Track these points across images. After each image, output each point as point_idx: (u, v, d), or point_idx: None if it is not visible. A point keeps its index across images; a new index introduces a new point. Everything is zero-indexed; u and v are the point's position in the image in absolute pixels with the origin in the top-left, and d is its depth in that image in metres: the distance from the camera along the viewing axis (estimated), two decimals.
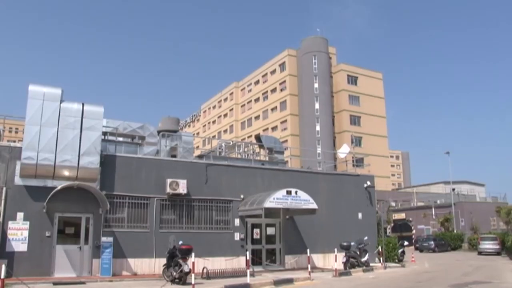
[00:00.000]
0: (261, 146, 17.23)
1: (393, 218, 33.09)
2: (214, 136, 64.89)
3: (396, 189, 57.01)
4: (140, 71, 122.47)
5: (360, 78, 47.87)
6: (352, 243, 14.66)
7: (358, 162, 32.30)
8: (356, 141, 44.11)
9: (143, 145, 13.93)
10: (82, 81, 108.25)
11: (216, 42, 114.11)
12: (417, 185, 48.63)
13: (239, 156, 16.91)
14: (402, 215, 34.76)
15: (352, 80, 47.58)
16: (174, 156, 14.77)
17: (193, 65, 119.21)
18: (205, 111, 71.36)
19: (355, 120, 46.11)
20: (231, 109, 63.41)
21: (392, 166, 75.78)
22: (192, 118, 75.47)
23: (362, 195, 16.52)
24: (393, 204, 35.99)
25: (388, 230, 29.34)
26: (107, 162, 12.21)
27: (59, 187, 11.11)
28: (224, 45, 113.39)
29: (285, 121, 49.77)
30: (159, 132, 15.34)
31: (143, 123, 13.82)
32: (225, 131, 63.99)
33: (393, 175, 70.87)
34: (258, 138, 17.23)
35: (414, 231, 32.66)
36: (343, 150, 18.05)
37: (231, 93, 64.02)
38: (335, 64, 48.76)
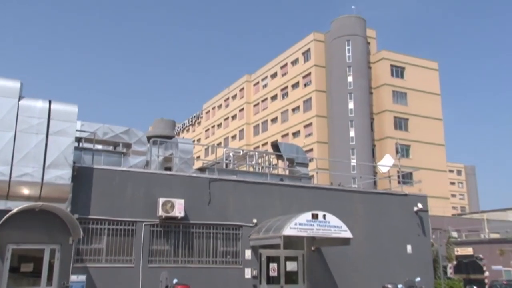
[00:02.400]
0: (279, 157, 17.41)
1: (456, 253, 29.79)
2: (219, 144, 65.51)
3: (458, 214, 53.63)
4: (126, 62, 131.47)
5: (408, 69, 46.27)
6: (400, 286, 14.31)
7: (406, 178, 31.55)
8: (403, 151, 43.20)
9: (128, 155, 14.08)
10: (53, 75, 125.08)
11: (221, 25, 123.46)
12: (489, 210, 45.13)
13: (251, 169, 17.12)
14: (469, 250, 31.89)
15: (398, 71, 46.31)
16: (169, 169, 14.95)
17: (192, 55, 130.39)
18: (208, 112, 72.10)
19: (401, 123, 44.82)
20: (241, 109, 63.83)
21: (452, 183, 71.33)
22: (191, 121, 76.07)
23: (412, 222, 16.12)
24: (454, 234, 32.86)
25: (449, 270, 26.50)
26: (81, 176, 12.10)
27: (14, 210, 10.43)
28: (231, 29, 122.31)
29: (310, 124, 49.49)
30: (149, 138, 15.75)
31: (128, 127, 14.09)
32: (234, 137, 64.61)
33: (453, 195, 67.53)
34: (275, 146, 17.37)
35: (487, 273, 29.50)
36: (386, 163, 17.86)
37: (241, 89, 64.50)
38: (375, 52, 47.58)
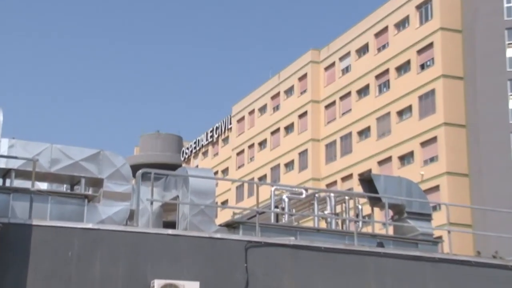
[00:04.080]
0: (374, 202, 18.03)
1: None
2: (262, 178, 68.92)
3: None
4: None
5: None
6: None
7: None
8: None
9: (97, 201, 14.76)
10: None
11: None
12: None
13: (322, 224, 18.28)
14: None
15: None
16: (172, 225, 15.87)
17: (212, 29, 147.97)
18: (241, 120, 76.25)
19: None
20: (303, 114, 66.57)
21: None
22: (211, 137, 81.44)
23: None
24: None
25: None
26: (9, 241, 12.57)
27: None
28: None
29: (434, 139, 49.89)
30: (135, 168, 17.04)
31: (99, 149, 14.94)
32: (289, 164, 67.72)
33: None
34: (367, 181, 18.22)
35: None
36: None
37: (303, 77, 67.34)
38: None
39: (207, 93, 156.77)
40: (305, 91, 66.56)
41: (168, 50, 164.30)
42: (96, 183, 14.94)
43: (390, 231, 17.97)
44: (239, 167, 74.70)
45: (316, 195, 18.47)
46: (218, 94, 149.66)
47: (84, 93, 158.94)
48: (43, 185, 15.00)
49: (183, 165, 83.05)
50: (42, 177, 14.47)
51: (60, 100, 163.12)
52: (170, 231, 14.13)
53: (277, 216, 18.06)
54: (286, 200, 18.22)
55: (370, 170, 51.62)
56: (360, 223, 18.06)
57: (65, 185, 15.39)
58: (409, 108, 52.73)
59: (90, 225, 13.56)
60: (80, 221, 14.00)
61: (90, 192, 14.99)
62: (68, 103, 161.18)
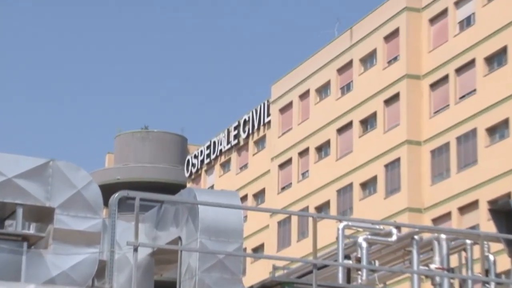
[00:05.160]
0: None
1: None
2: (324, 208, 71.29)
3: None
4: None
5: None
6: None
7: None
8: None
9: (43, 246, 15.09)
10: None
11: None
12: None
13: (427, 285, 18.73)
14: None
15: None
16: (168, 287, 16.58)
17: None
18: (286, 108, 78.35)
19: None
20: (393, 97, 69.56)
21: None
22: (236, 137, 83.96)
23: None
24: None
25: None
26: None
27: None
28: None
29: None
30: (107, 189, 18.20)
31: (48, 158, 15.36)
32: (369, 184, 70.51)
33: None
34: (503, 212, 19.18)
35: None
36: None
37: (392, 36, 70.44)
38: None
39: (226, 69, 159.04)
40: (396, 58, 68.99)
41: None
42: (43, 215, 15.16)
43: None
44: (283, 189, 76.65)
45: (416, 236, 18.60)
46: (244, 67, 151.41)
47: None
48: None
49: (189, 184, 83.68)
50: None
51: None
52: None
53: (348, 273, 18.21)
54: (364, 245, 18.28)
55: (510, 196, 52.26)
56: (492, 287, 18.02)
57: None
58: None
59: (31, 287, 13.70)
60: (15, 280, 14.12)
61: (32, 230, 15.25)
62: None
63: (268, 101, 79.78)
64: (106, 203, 15.77)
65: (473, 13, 63.64)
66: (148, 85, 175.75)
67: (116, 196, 15.54)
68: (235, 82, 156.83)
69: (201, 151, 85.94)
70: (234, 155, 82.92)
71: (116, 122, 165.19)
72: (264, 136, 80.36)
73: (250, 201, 78.31)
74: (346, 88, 74.30)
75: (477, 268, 18.40)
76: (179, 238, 16.52)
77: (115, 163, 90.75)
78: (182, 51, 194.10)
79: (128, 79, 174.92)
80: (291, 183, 76.43)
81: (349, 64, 74.19)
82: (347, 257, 18.29)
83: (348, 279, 18.20)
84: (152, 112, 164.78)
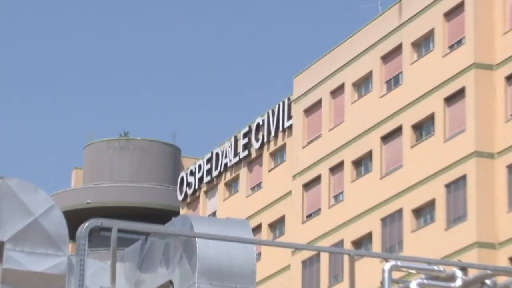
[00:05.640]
0: None
1: None
2: (364, 243, 73.89)
3: None
4: None
5: None
6: None
7: None
8: None
9: None
10: None
11: None
12: None
13: None
14: None
15: None
16: None
17: None
18: (313, 109, 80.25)
19: None
20: (457, 93, 72.17)
21: None
22: (246, 147, 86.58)
23: None
24: None
25: None
26: None
27: None
28: None
29: None
30: (74, 216, 19.73)
31: None
32: (425, 210, 73.20)
33: None
34: None
35: None
36: None
37: (455, 9, 72.37)
38: None
39: (231, 58, 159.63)
40: (460, 42, 70.31)
41: None
42: None
43: None
44: (309, 216, 77.67)
45: (488, 281, 18.79)
46: (256, 55, 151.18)
47: None
48: None
49: (183, 210, 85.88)
50: None
51: None
52: None
53: None
54: None
55: None
56: None
57: None
58: None
59: None
60: None
61: None
62: None
63: (289, 99, 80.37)
64: (72, 236, 16.24)
65: None
66: (129, 81, 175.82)
67: (86, 226, 15.81)
68: (244, 75, 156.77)
69: (199, 166, 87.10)
70: (243, 171, 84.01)
71: (86, 127, 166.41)
72: (283, 146, 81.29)
73: (265, 233, 79.46)
74: (394, 82, 75.19)
75: None
76: (170, 282, 16.66)
77: (84, 182, 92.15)
78: (170, 35, 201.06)
79: (104, 71, 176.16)
80: (319, 209, 77.46)
81: (397, 50, 74.94)
82: None
83: None
84: (134, 114, 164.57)
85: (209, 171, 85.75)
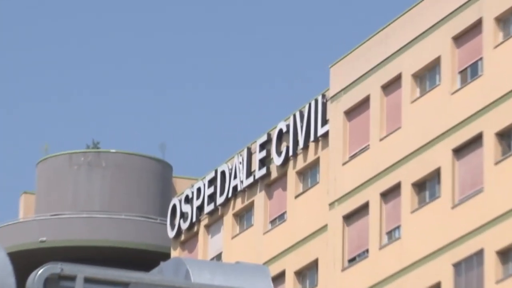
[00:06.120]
0: None
1: None
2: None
3: None
4: None
5: None
6: None
7: None
8: None
9: None
10: None
11: None
12: None
13: None
14: None
15: None
16: None
17: None
18: (358, 110, 79.71)
19: None
20: None
21: None
22: (263, 164, 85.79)
23: None
24: None
25: None
26: None
27: None
28: None
29: None
30: (22, 260, 24.02)
31: None
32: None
33: None
34: None
35: None
36: None
37: None
38: None
39: (243, 42, 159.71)
40: None
41: None
42: None
43: None
44: (351, 260, 75.32)
45: None
46: (279, 37, 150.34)
47: None
48: None
49: (175, 252, 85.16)
50: None
51: None
52: None
53: None
54: None
55: None
56: None
57: None
58: None
59: None
60: None
61: None
62: None
63: (323, 96, 77.68)
64: (22, 286, 16.28)
65: None
66: (99, 78, 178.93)
67: (39, 273, 15.38)
68: (261, 63, 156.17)
69: (198, 190, 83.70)
70: (259, 197, 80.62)
71: (41, 137, 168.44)
72: (316, 162, 78.36)
73: (290, 284, 76.17)
74: (471, 72, 72.27)
75: None
76: None
77: (37, 212, 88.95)
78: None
79: (66, 63, 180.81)
80: (367, 250, 74.95)
81: (475, 29, 71.71)
82: None
83: None
84: (106, 118, 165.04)
85: (211, 197, 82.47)
